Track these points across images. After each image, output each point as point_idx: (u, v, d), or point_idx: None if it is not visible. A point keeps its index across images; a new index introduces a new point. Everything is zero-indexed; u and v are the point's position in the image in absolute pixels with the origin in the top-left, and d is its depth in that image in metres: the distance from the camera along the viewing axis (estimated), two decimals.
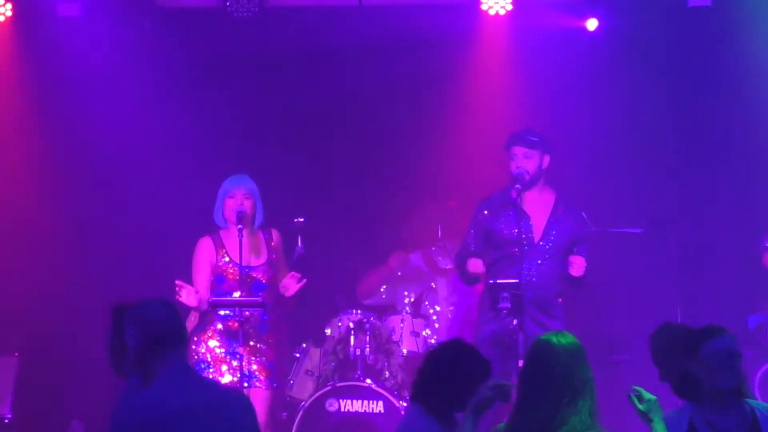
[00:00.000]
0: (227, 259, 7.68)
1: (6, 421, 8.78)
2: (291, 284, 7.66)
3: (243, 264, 7.59)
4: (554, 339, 4.79)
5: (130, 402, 4.55)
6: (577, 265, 7.81)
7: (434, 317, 9.08)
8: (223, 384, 4.97)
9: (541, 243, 7.93)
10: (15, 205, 9.49)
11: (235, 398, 4.71)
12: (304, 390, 8.37)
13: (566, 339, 4.78)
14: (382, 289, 9.35)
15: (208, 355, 7.53)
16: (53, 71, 9.45)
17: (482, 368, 5.16)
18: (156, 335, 4.52)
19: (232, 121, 9.69)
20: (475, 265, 7.93)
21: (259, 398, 7.46)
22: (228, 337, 7.55)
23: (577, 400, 4.68)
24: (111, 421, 4.55)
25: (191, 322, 8.17)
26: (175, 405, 4.44)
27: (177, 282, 7.48)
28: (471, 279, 8.10)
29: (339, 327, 8.47)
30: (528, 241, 7.91)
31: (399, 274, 9.35)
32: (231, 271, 7.67)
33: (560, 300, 8.00)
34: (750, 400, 4.98)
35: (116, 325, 4.80)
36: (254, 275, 7.70)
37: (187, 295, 7.45)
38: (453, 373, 5.13)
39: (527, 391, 4.75)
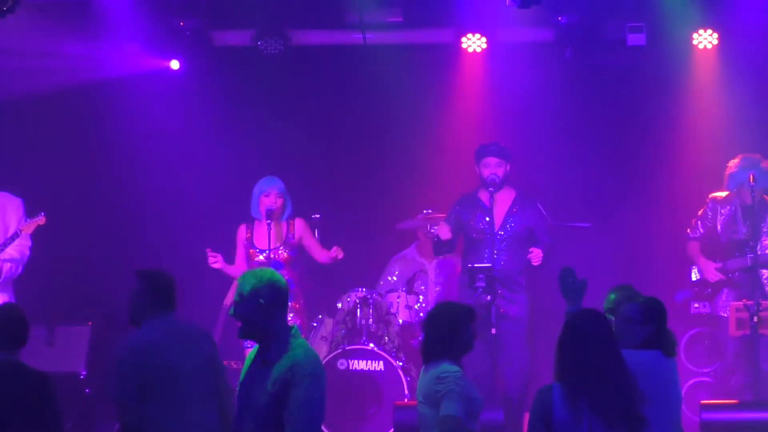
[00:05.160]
0: (255, 243, 8.68)
1: (81, 377, 9.42)
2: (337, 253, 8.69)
3: (265, 249, 8.54)
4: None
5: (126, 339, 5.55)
6: (535, 256, 8.54)
7: (423, 294, 9.56)
8: (195, 325, 5.93)
9: (500, 233, 8.63)
10: (86, 201, 10.33)
11: (202, 335, 5.68)
12: (319, 352, 8.57)
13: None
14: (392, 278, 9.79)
15: None
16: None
17: (468, 312, 5.68)
18: (167, 293, 5.61)
19: (263, 138, 10.33)
20: (442, 229, 8.55)
21: None
22: None
23: None
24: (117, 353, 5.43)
25: (230, 297, 9.11)
26: (157, 338, 5.49)
27: (207, 250, 8.51)
28: (439, 246, 8.68)
29: (348, 301, 9.03)
30: (489, 231, 8.62)
31: (398, 268, 9.86)
32: (257, 255, 8.62)
33: (522, 278, 8.65)
34: None
35: (143, 286, 5.67)
36: (273, 256, 8.58)
37: (210, 260, 8.49)
38: (449, 323, 5.56)
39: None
